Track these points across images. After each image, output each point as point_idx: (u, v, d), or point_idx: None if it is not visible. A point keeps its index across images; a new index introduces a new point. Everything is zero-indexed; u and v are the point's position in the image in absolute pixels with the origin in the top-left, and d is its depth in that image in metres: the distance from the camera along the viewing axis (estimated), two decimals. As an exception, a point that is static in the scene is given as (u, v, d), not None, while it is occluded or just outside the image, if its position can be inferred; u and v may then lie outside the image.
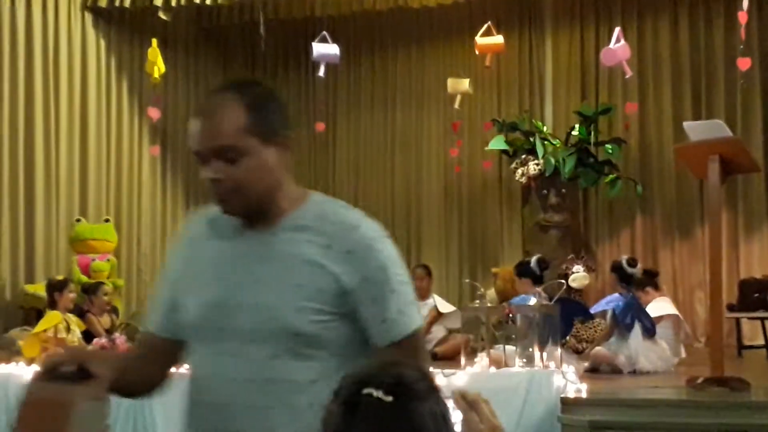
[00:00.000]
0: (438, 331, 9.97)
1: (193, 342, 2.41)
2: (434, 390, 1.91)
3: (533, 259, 8.62)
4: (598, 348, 8.41)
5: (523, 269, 8.61)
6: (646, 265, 11.23)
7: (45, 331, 8.64)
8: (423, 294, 10.10)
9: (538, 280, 8.44)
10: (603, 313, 8.82)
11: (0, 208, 10.64)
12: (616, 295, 8.50)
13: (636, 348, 8.12)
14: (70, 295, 9.06)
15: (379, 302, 2.34)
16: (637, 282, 8.90)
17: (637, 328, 8.19)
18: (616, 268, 8.59)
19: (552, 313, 7.45)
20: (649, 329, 8.34)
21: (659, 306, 8.86)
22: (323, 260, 2.32)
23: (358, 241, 2.39)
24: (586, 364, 8.17)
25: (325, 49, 10.62)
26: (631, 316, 8.23)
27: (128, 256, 12.04)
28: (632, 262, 8.69)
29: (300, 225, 2.39)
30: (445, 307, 10.02)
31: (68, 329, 8.82)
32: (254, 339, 2.29)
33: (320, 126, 11.57)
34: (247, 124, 2.33)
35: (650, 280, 9.22)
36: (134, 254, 12.14)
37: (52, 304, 8.98)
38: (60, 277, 9.34)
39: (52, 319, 8.76)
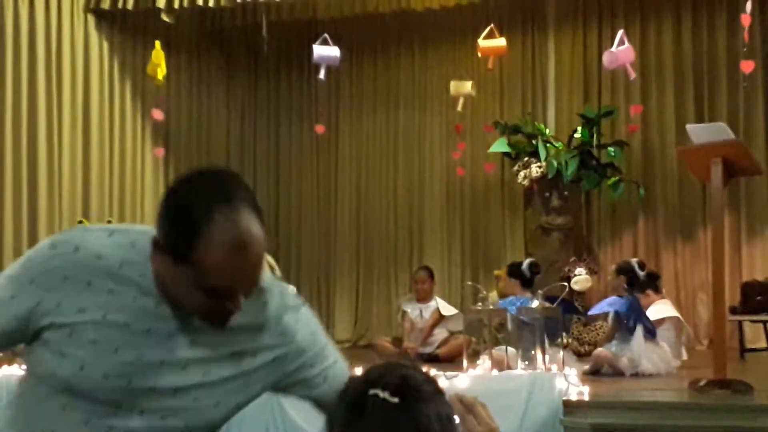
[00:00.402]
0: (440, 333, 9.98)
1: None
2: (439, 392, 1.93)
3: (525, 262, 8.65)
4: (599, 349, 8.42)
5: (513, 270, 8.64)
6: (648, 268, 11.27)
7: None
8: (425, 296, 10.13)
9: (526, 284, 8.46)
10: (603, 315, 8.82)
11: (3, 209, 10.65)
12: (615, 297, 8.49)
13: (638, 350, 8.13)
14: None
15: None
16: (639, 284, 8.91)
17: (639, 331, 8.19)
18: (626, 270, 8.57)
19: (554, 316, 7.46)
20: (651, 331, 8.34)
21: (660, 309, 8.86)
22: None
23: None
24: (588, 367, 8.17)
25: (325, 51, 10.63)
26: (634, 319, 8.23)
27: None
28: (642, 265, 8.70)
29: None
30: (447, 309, 10.03)
31: None
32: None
33: (320, 128, 11.55)
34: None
35: (651, 282, 9.22)
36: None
37: None
38: None
39: None
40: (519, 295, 8.29)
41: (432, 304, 10.09)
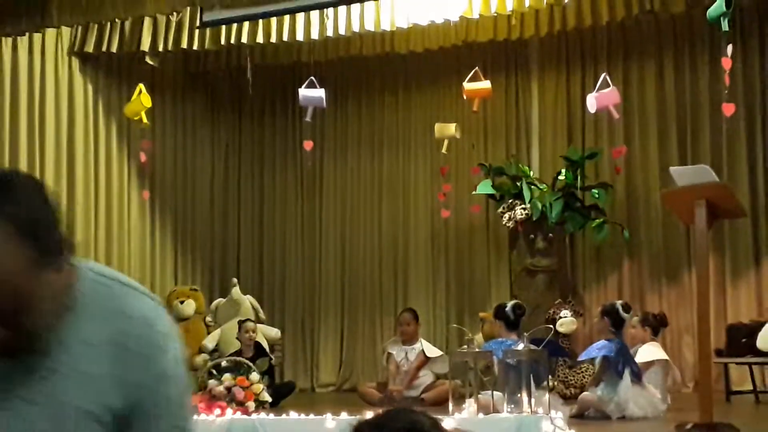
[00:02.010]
0: (426, 377, 9.94)
1: None
2: None
3: (510, 304, 8.63)
4: (585, 393, 8.38)
5: (498, 312, 8.63)
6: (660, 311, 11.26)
7: None
8: (410, 338, 10.10)
9: (512, 326, 8.44)
10: (590, 359, 8.78)
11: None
12: (604, 341, 8.46)
13: (626, 394, 8.09)
14: None
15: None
16: (650, 324, 8.91)
17: (626, 375, 8.17)
18: (610, 312, 8.54)
19: (540, 358, 7.43)
20: (637, 374, 8.32)
21: (651, 350, 8.82)
22: None
23: None
24: (573, 410, 8.13)
25: (311, 93, 10.66)
26: (622, 363, 8.21)
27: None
28: (627, 308, 8.67)
29: None
30: (433, 351, 10.00)
31: None
32: None
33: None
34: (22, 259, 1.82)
35: (658, 326, 9.11)
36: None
37: None
38: None
39: None
40: (504, 337, 8.27)
41: (417, 346, 10.06)
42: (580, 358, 8.90)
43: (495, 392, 7.42)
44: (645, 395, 8.25)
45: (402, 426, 1.91)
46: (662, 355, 8.87)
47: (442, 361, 9.87)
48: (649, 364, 8.62)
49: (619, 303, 8.79)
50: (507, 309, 8.51)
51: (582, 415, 8.13)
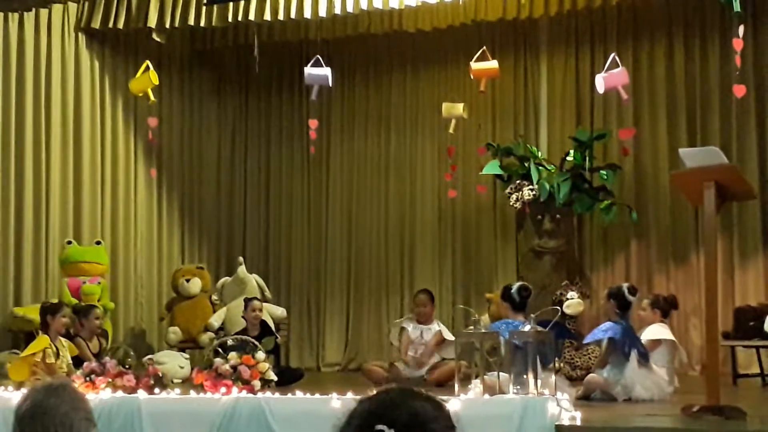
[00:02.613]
0: (433, 358, 9.91)
1: None
2: (449, 428, 1.87)
3: (515, 286, 8.58)
4: (591, 375, 8.36)
5: (504, 294, 8.59)
6: (641, 295, 11.22)
7: (33, 354, 8.56)
8: (426, 319, 10.06)
9: (517, 308, 8.39)
10: (596, 341, 8.74)
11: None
12: (610, 323, 8.43)
13: (632, 376, 8.07)
14: (63, 319, 8.99)
15: None
16: (660, 306, 8.91)
17: (633, 356, 8.14)
18: (617, 295, 8.51)
19: (546, 340, 7.39)
20: (644, 355, 8.30)
21: (658, 330, 8.78)
22: None
23: None
24: (579, 391, 8.11)
25: (316, 72, 10.60)
26: (628, 344, 8.18)
27: (125, 279, 11.98)
28: (633, 290, 8.64)
29: None
30: (449, 335, 9.96)
31: (57, 354, 8.74)
32: None
33: (312, 149, 11.52)
34: None
35: (669, 307, 9.05)
36: (131, 277, 12.08)
37: (44, 327, 8.91)
38: (54, 300, 9.27)
39: (40, 343, 8.68)
40: (511, 319, 8.24)
41: (434, 326, 10.04)
42: (585, 341, 8.87)
43: (501, 373, 7.39)
44: (652, 377, 8.23)
45: (403, 415, 1.85)
46: (669, 335, 8.84)
47: (451, 347, 9.85)
48: (656, 343, 8.59)
49: (625, 286, 8.76)
50: (513, 291, 8.48)
51: (588, 397, 8.10)
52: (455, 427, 1.89)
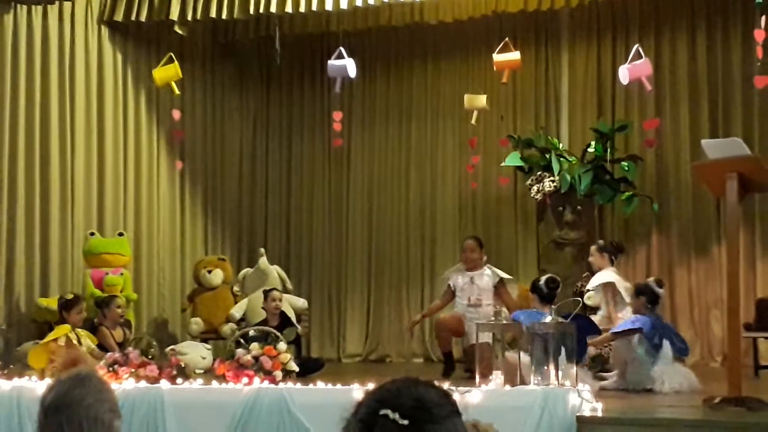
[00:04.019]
0: (489, 308, 9.59)
1: None
2: (454, 413, 1.89)
3: (543, 278, 8.60)
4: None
5: (533, 286, 8.62)
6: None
7: (56, 340, 8.64)
8: (475, 265, 9.82)
9: (545, 299, 8.39)
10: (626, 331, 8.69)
11: (15, 221, 10.64)
12: (639, 315, 8.43)
13: (662, 369, 8.07)
14: (79, 315, 9.08)
15: None
16: (608, 250, 9.49)
17: (666, 349, 8.14)
18: (645, 290, 8.51)
19: (568, 331, 7.40)
20: (681, 349, 8.33)
21: (608, 274, 9.35)
22: None
23: None
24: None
25: (338, 63, 10.60)
26: (659, 336, 8.19)
27: (148, 270, 12.05)
28: (660, 283, 8.65)
29: None
30: (504, 274, 9.81)
31: (79, 342, 8.83)
32: None
33: (338, 141, 11.52)
34: None
35: (617, 252, 9.66)
36: (154, 268, 12.14)
37: (62, 322, 9.01)
38: (70, 296, 9.32)
39: (60, 330, 8.77)
40: (538, 310, 8.25)
41: (485, 271, 9.80)
42: (613, 331, 8.87)
43: (522, 355, 7.40)
44: (682, 371, 8.22)
45: (408, 401, 1.87)
46: (617, 278, 9.27)
47: (512, 284, 9.81)
48: (608, 286, 9.07)
49: (652, 280, 8.78)
50: (541, 283, 8.50)
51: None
52: (461, 414, 1.92)
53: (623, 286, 9.35)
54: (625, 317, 8.83)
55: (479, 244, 9.96)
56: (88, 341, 9.02)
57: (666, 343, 8.20)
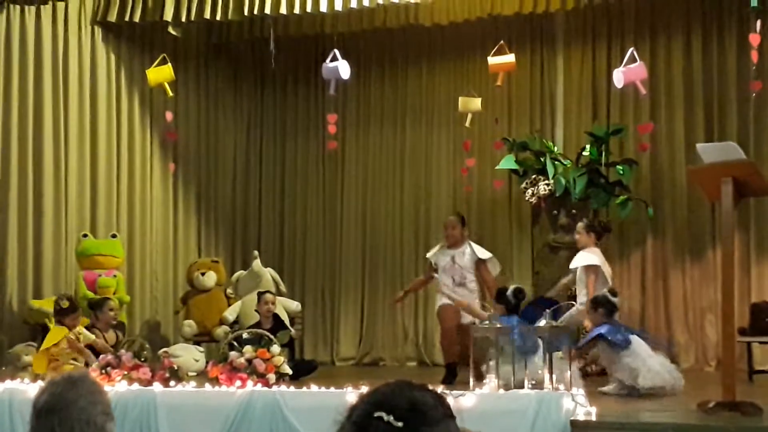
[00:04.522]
0: (473, 284, 9.61)
1: None
2: (448, 417, 1.88)
3: (510, 288, 8.55)
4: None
5: (499, 296, 8.57)
6: (656, 289, 11.24)
7: (56, 345, 8.62)
8: (456, 242, 9.77)
9: (512, 310, 8.37)
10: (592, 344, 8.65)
11: (7, 222, 10.61)
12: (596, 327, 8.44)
13: (643, 364, 8.06)
14: (74, 321, 9.04)
15: None
16: (594, 229, 9.59)
17: (637, 343, 8.13)
18: (603, 302, 8.49)
19: (563, 334, 7.40)
20: (649, 340, 8.36)
21: (590, 257, 9.37)
22: None
23: None
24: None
25: (332, 65, 10.57)
26: (622, 334, 8.16)
27: (141, 272, 12.02)
28: (614, 293, 8.68)
29: None
30: (484, 253, 9.78)
31: (78, 339, 8.82)
32: None
33: (332, 144, 11.49)
34: None
35: (603, 231, 9.81)
36: (147, 270, 12.11)
37: (59, 323, 8.99)
38: (65, 304, 9.25)
39: (57, 334, 8.74)
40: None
41: (465, 249, 9.77)
42: (578, 345, 8.83)
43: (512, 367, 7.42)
44: (662, 363, 8.23)
45: (402, 404, 1.86)
46: (600, 261, 9.34)
47: (493, 263, 9.77)
48: (592, 269, 9.17)
49: (606, 290, 8.78)
50: (508, 293, 8.46)
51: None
52: (455, 417, 1.91)
53: (607, 270, 9.46)
54: None
55: (461, 220, 9.95)
56: (88, 335, 9.00)
57: (634, 338, 8.21)
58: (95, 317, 9.60)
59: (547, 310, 7.91)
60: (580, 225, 9.78)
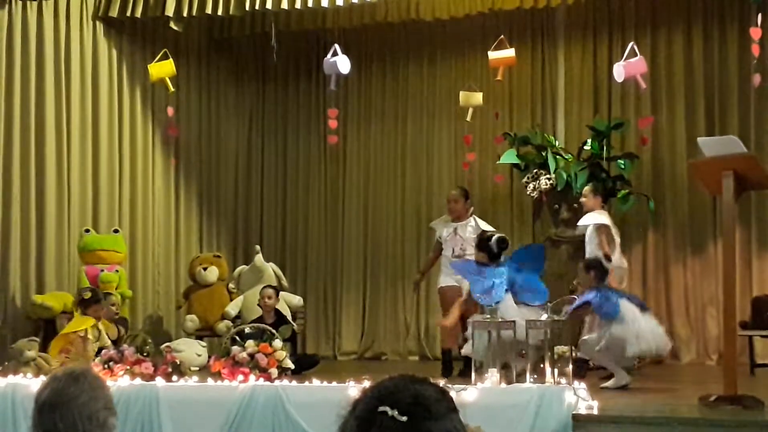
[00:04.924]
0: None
1: None
2: (451, 410, 1.89)
3: (495, 236, 8.59)
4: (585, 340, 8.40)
5: (481, 242, 8.60)
6: (657, 283, 11.25)
7: (75, 332, 8.60)
8: (459, 216, 9.86)
9: (493, 258, 8.40)
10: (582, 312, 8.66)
11: (10, 218, 10.61)
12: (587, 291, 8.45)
13: (633, 329, 8.08)
14: (97, 313, 9.01)
15: None
16: (600, 192, 9.86)
17: (626, 307, 8.13)
18: (595, 264, 8.52)
19: (562, 329, 7.41)
20: (641, 304, 8.42)
21: (597, 216, 9.61)
22: None
23: None
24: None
25: (332, 60, 10.55)
26: (610, 300, 8.16)
27: (143, 267, 12.03)
28: (609, 258, 8.76)
29: None
30: (488, 226, 9.79)
31: (98, 336, 8.79)
32: None
33: (333, 139, 11.47)
34: None
35: (609, 195, 10.23)
36: (149, 265, 12.12)
37: (84, 315, 8.94)
38: (87, 295, 9.22)
39: (82, 322, 8.72)
40: (485, 265, 8.33)
41: (469, 222, 9.82)
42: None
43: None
44: (651, 325, 8.26)
45: (406, 398, 1.88)
46: (608, 220, 9.60)
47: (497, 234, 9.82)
48: (603, 228, 9.38)
49: (601, 254, 8.85)
50: (492, 242, 8.49)
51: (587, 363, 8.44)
52: (458, 411, 1.92)
53: (614, 230, 9.71)
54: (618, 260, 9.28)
55: (464, 195, 10.02)
56: (104, 336, 8.98)
57: (623, 301, 8.21)
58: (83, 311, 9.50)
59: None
60: (586, 189, 10.02)
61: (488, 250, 8.47)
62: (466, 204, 9.97)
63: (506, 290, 8.12)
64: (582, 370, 8.44)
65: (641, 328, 8.09)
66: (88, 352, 8.51)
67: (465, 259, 9.08)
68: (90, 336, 8.71)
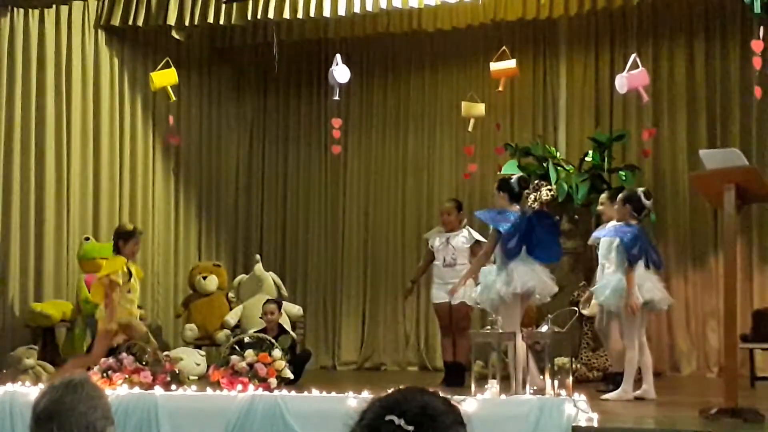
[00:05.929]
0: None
1: None
2: (458, 423, 1.89)
3: (515, 177, 8.58)
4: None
5: (503, 183, 8.52)
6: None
7: (108, 275, 8.52)
8: (452, 228, 9.94)
9: (515, 198, 8.38)
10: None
11: (10, 225, 10.61)
12: (623, 224, 8.40)
13: (638, 281, 8.13)
14: (134, 248, 8.86)
15: None
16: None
17: (641, 262, 8.19)
18: (632, 198, 8.47)
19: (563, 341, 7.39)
20: (656, 262, 8.44)
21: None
22: None
23: None
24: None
25: (332, 70, 10.53)
26: (639, 248, 8.16)
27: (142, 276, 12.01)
28: (648, 194, 8.66)
29: None
30: (480, 237, 9.81)
31: (129, 275, 8.66)
32: None
33: (336, 149, 11.44)
34: None
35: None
36: (149, 273, 12.10)
37: (116, 251, 8.79)
38: (129, 227, 9.11)
39: (115, 263, 8.62)
40: (506, 209, 8.28)
41: (462, 232, 9.89)
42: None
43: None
44: (653, 279, 8.35)
45: (413, 408, 1.88)
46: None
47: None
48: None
49: (640, 190, 8.76)
50: (512, 181, 8.45)
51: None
52: (465, 424, 1.91)
53: None
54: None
55: (456, 206, 10.13)
56: (136, 280, 8.86)
57: (643, 256, 8.27)
58: (118, 248, 9.24)
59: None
60: (603, 196, 9.35)
61: (509, 189, 8.40)
62: (459, 215, 10.08)
63: (522, 243, 8.05)
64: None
65: (646, 282, 8.25)
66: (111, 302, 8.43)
67: (491, 210, 8.82)
68: (119, 279, 8.56)
